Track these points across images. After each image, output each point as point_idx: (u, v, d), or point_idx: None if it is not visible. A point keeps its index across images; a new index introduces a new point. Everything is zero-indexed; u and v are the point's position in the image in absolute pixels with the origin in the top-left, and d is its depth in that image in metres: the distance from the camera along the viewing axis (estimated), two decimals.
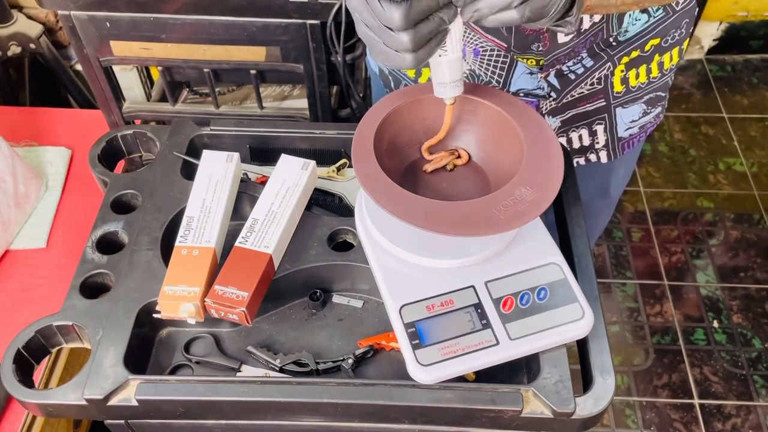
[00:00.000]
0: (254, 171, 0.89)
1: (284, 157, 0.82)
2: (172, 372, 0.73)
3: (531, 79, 0.94)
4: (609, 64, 0.93)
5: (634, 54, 0.93)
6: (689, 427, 1.67)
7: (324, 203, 0.86)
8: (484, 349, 0.65)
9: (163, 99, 1.28)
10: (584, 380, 0.70)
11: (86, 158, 0.87)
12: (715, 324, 1.85)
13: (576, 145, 1.05)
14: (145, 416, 0.70)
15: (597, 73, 0.94)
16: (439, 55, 0.65)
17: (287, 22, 1.04)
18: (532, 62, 0.91)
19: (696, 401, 1.71)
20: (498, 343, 0.66)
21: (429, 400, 0.65)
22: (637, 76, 0.97)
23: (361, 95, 1.25)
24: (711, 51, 2.55)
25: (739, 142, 2.28)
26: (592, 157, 1.07)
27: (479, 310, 0.67)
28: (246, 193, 0.82)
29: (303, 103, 1.23)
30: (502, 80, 0.95)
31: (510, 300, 0.68)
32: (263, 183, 0.81)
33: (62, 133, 1.27)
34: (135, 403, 0.66)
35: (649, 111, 1.03)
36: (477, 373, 0.68)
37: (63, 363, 0.99)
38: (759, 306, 1.88)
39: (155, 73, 1.32)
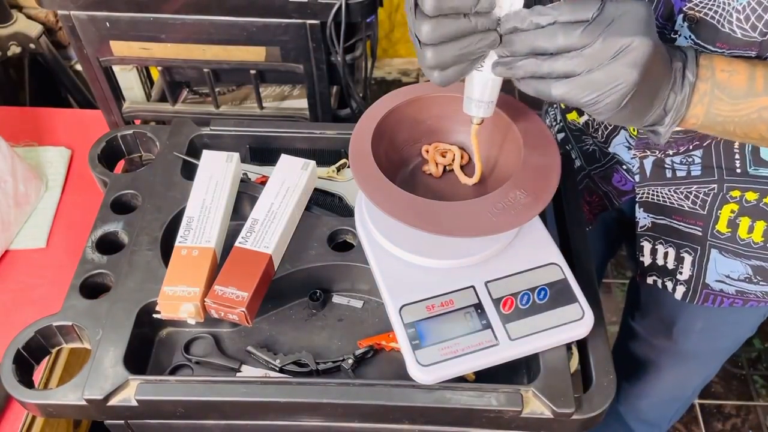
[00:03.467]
0: (254, 171, 0.89)
1: (284, 157, 0.82)
2: (172, 372, 0.73)
3: (626, 152, 0.87)
4: (715, 186, 0.81)
5: (751, 196, 0.79)
6: (689, 427, 1.67)
7: (324, 203, 0.86)
8: (484, 350, 0.65)
9: (163, 99, 1.28)
10: (584, 380, 0.70)
11: (86, 158, 0.87)
12: None
13: (660, 261, 0.93)
14: (145, 416, 0.70)
15: (701, 190, 0.82)
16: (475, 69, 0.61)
17: (287, 22, 1.04)
18: (634, 131, 0.83)
19: (696, 401, 1.71)
20: (498, 343, 0.66)
21: (429, 400, 0.65)
22: (750, 230, 0.82)
23: (361, 95, 1.25)
24: None
25: None
26: (669, 285, 0.94)
27: (479, 311, 0.67)
28: (246, 193, 0.82)
29: (303, 103, 1.23)
30: (603, 138, 0.88)
31: (510, 300, 0.68)
32: (263, 183, 0.81)
33: (62, 133, 1.26)
34: (135, 404, 0.66)
35: (755, 280, 0.86)
36: (477, 373, 0.68)
37: (63, 363, 0.99)
38: None
39: (155, 73, 1.32)
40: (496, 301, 0.68)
